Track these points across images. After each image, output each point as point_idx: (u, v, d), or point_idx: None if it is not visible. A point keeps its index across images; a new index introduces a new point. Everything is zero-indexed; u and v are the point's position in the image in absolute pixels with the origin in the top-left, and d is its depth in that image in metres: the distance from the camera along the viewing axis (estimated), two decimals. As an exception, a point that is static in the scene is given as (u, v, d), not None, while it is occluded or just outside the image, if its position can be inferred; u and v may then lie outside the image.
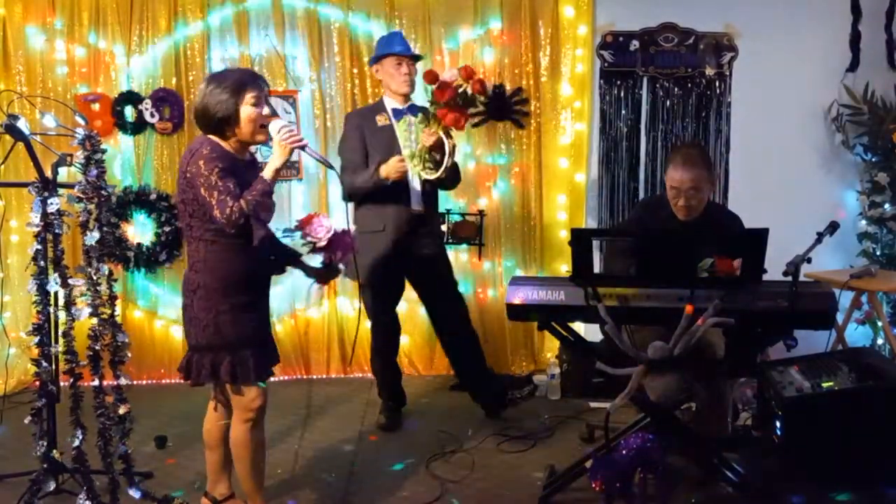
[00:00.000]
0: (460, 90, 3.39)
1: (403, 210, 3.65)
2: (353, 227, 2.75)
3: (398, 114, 3.67)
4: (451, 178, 3.69)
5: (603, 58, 4.53)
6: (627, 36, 4.52)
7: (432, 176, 3.53)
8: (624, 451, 2.62)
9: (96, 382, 2.77)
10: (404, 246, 3.67)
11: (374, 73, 3.88)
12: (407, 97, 3.71)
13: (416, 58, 3.77)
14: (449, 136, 3.47)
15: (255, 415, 2.60)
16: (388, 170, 3.53)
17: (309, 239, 2.70)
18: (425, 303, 3.94)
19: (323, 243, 2.68)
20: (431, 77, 3.45)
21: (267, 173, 2.47)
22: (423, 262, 3.75)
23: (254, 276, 2.58)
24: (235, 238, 2.48)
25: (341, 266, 2.82)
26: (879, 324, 4.21)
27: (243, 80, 2.49)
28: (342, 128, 3.91)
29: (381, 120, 3.66)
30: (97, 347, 2.76)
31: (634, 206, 4.44)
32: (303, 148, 2.53)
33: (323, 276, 2.83)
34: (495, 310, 4.54)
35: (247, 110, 2.46)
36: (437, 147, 3.48)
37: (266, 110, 2.53)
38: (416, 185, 3.66)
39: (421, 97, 3.85)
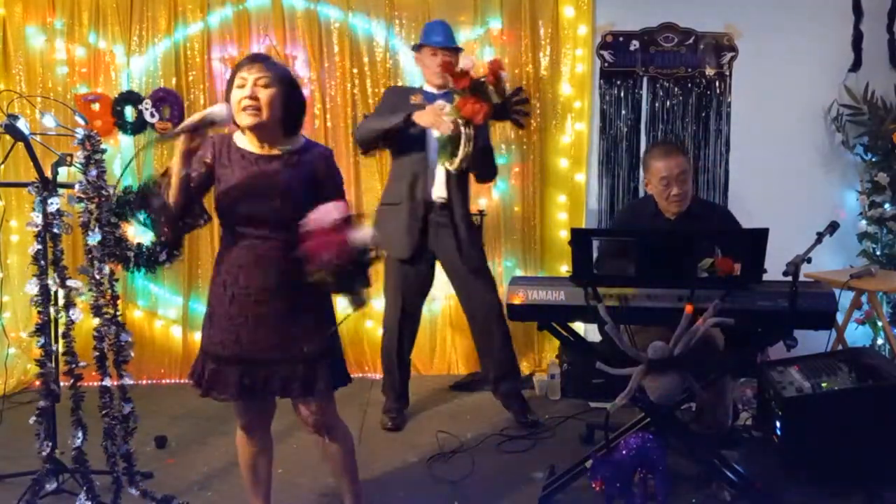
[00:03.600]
0: (478, 82, 3.36)
1: (421, 195, 3.63)
2: (358, 232, 2.14)
3: (431, 97, 3.66)
4: (480, 168, 3.64)
5: (603, 58, 4.53)
6: (627, 36, 4.52)
7: (451, 166, 3.51)
8: (624, 451, 2.62)
9: (97, 382, 2.77)
10: (422, 233, 3.66)
11: (415, 60, 3.89)
12: (442, 87, 3.68)
13: (457, 49, 3.75)
14: (468, 125, 3.41)
15: None
16: (423, 115, 3.45)
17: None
18: (456, 293, 3.89)
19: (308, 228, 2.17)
20: (447, 66, 3.47)
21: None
22: (443, 252, 3.72)
23: None
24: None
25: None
26: (879, 324, 4.21)
27: (240, 63, 2.32)
28: (342, 126, 3.91)
29: (414, 99, 3.66)
30: (102, 347, 2.76)
31: (618, 211, 4.45)
32: (162, 140, 2.25)
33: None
34: (495, 310, 4.54)
35: (234, 94, 2.28)
36: (458, 137, 3.43)
37: (238, 94, 2.25)
38: (439, 172, 3.65)
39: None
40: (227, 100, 2.29)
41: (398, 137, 3.58)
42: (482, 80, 3.39)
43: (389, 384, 3.87)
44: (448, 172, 3.60)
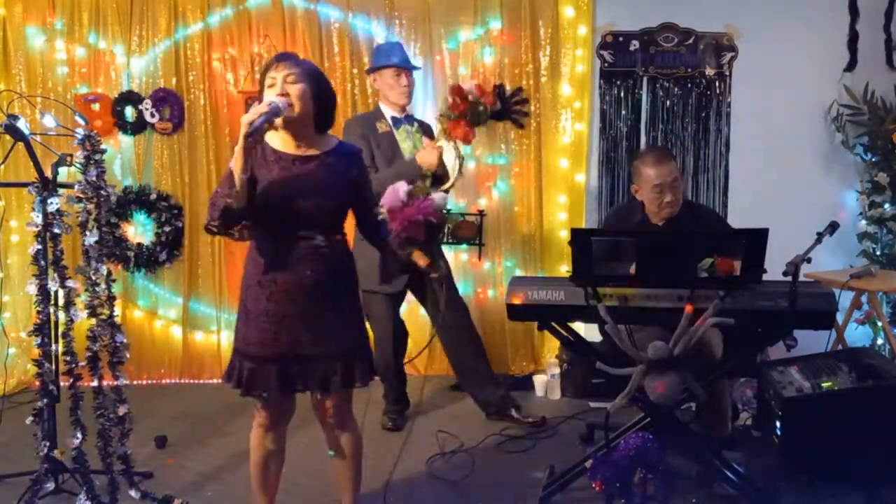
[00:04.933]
0: (475, 105, 3.58)
1: None
2: (437, 196, 2.43)
3: (397, 122, 3.69)
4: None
5: (603, 58, 4.53)
6: (627, 36, 4.52)
7: (448, 186, 3.57)
8: (624, 451, 2.61)
9: (96, 383, 2.77)
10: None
11: (371, 82, 3.88)
12: (404, 108, 3.73)
13: (414, 68, 3.79)
14: (456, 146, 3.56)
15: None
16: (426, 157, 3.48)
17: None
18: (426, 308, 3.88)
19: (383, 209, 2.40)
20: (457, 91, 3.65)
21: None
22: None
23: None
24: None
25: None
26: (879, 324, 4.21)
27: (267, 64, 2.35)
28: (343, 125, 3.90)
29: (381, 126, 3.66)
30: (95, 348, 2.76)
31: (605, 217, 4.43)
32: (250, 135, 2.18)
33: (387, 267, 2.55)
34: (495, 310, 4.54)
35: (265, 95, 2.31)
36: (439, 163, 3.53)
37: (270, 94, 2.27)
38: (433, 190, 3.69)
39: (418, 109, 3.89)
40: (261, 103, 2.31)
41: None
42: (479, 107, 3.47)
43: (387, 389, 3.90)
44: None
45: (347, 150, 2.47)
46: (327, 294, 2.34)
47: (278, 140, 2.36)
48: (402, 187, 2.30)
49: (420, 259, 2.52)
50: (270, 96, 2.27)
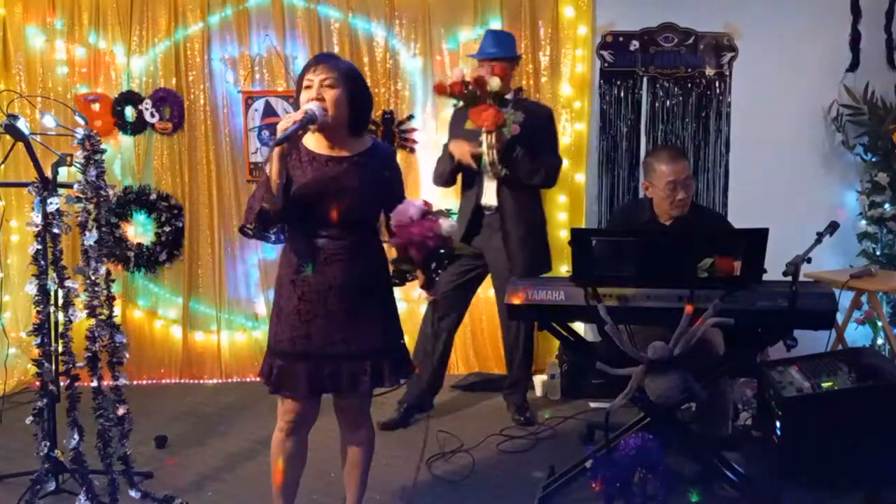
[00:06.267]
0: (468, 87, 3.51)
1: (473, 203, 3.76)
2: (445, 223, 2.32)
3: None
4: (518, 173, 3.66)
5: (603, 58, 4.53)
6: (627, 36, 4.52)
7: (491, 174, 3.65)
8: (624, 451, 2.61)
9: (95, 383, 2.77)
10: (473, 233, 3.77)
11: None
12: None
13: (499, 58, 3.71)
14: (489, 134, 3.54)
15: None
16: (452, 148, 3.65)
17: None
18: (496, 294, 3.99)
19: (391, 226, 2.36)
20: (440, 89, 3.62)
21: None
22: (490, 253, 3.76)
23: None
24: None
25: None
26: (879, 324, 4.21)
27: (306, 65, 2.35)
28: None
29: (469, 123, 3.68)
30: (94, 349, 2.76)
31: (611, 216, 4.44)
32: (280, 142, 2.20)
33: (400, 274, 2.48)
34: (495, 310, 4.53)
35: (302, 96, 2.31)
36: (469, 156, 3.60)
37: (305, 96, 2.28)
38: (487, 181, 3.73)
39: (418, 109, 4.02)
40: (298, 104, 2.32)
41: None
42: (469, 86, 3.49)
43: (414, 384, 3.83)
44: (499, 180, 3.69)
45: (381, 150, 2.47)
46: (359, 293, 2.34)
47: (312, 140, 2.36)
48: (415, 204, 2.27)
49: (419, 277, 2.47)
50: (306, 101, 2.27)
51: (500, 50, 3.75)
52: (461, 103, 3.69)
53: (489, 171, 3.66)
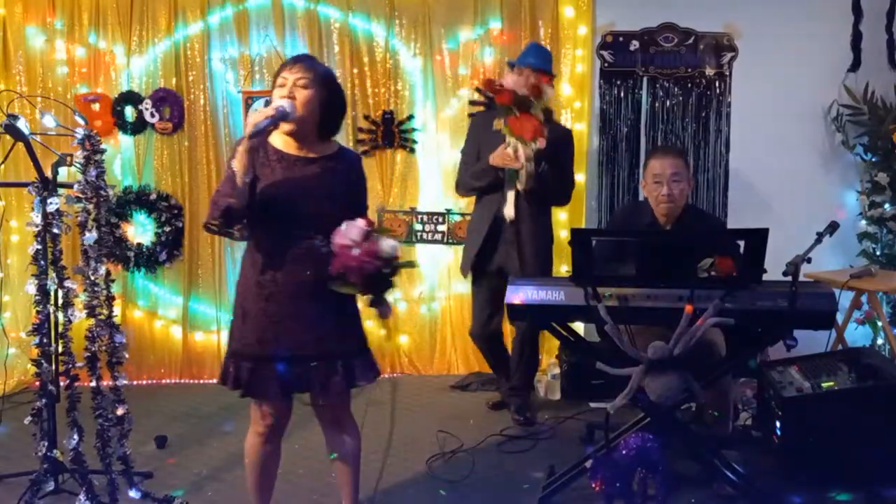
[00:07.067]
0: (519, 94, 3.52)
1: (494, 213, 3.75)
2: (386, 244, 2.26)
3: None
4: (542, 189, 3.68)
5: (603, 58, 4.53)
6: (627, 36, 4.52)
7: (520, 186, 3.65)
8: (624, 451, 2.62)
9: (95, 383, 2.77)
10: (491, 250, 3.76)
11: None
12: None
13: (538, 69, 3.71)
14: (526, 145, 3.56)
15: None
16: (494, 156, 3.62)
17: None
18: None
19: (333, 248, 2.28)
20: (489, 85, 3.66)
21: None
22: (508, 267, 3.74)
23: None
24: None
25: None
26: (879, 324, 4.21)
27: (283, 63, 2.37)
28: (343, 125, 3.93)
29: (497, 124, 3.70)
30: (94, 349, 2.76)
31: (612, 216, 4.44)
32: (253, 136, 2.18)
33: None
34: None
35: (275, 93, 2.32)
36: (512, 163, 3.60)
37: (278, 93, 2.28)
38: (509, 193, 3.72)
39: (419, 109, 4.01)
40: (272, 101, 2.31)
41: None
42: (525, 95, 3.50)
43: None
44: (518, 193, 3.70)
45: (348, 155, 2.48)
46: (324, 296, 2.30)
47: (280, 140, 2.36)
48: (358, 225, 2.22)
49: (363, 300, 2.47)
50: (278, 98, 2.27)
51: (547, 64, 3.79)
52: (481, 107, 3.70)
53: (519, 182, 3.66)
